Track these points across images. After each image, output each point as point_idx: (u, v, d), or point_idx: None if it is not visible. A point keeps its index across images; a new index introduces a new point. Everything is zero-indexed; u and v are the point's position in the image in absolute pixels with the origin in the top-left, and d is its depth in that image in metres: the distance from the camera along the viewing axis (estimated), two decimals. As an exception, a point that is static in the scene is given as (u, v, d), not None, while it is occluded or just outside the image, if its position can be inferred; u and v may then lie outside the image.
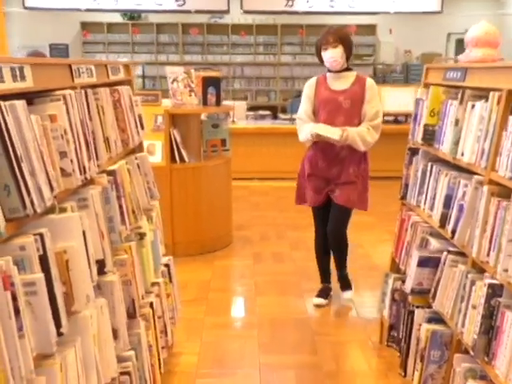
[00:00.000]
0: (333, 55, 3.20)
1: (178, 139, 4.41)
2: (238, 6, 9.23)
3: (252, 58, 11.49)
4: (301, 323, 3.37)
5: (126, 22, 11.32)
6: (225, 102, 6.42)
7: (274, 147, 7.56)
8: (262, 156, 7.56)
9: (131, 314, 2.14)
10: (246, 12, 9.51)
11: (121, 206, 2.13)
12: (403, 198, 2.91)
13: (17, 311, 1.17)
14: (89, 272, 1.59)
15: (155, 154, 4.43)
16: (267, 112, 9.39)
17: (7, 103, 1.27)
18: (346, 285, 3.67)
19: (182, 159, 4.42)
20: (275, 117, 9.36)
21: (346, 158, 3.32)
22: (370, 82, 3.30)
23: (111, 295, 1.90)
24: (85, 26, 11.34)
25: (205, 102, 4.59)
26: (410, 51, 11.49)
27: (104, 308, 1.78)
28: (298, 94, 10.97)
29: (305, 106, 3.42)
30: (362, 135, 3.21)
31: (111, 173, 2.08)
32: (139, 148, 2.77)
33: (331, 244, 3.53)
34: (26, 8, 10.28)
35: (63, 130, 1.61)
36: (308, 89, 3.41)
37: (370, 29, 11.41)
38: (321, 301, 3.57)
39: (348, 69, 3.32)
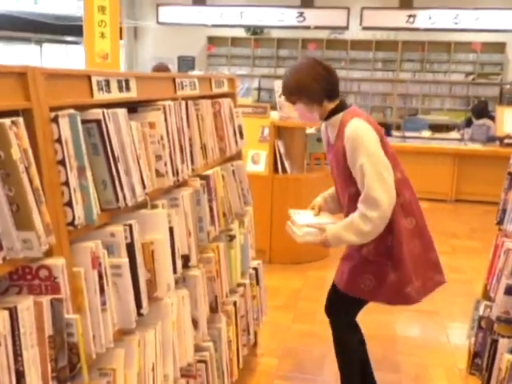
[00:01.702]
0: (297, 113, 2.41)
1: (282, 150, 4.58)
2: (357, 22, 9.28)
3: (370, 74, 11.44)
4: (387, 340, 3.36)
5: (248, 37, 11.82)
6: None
7: (383, 164, 7.48)
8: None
9: (213, 309, 2.31)
10: (365, 28, 9.53)
11: (211, 209, 2.32)
12: (499, 223, 2.81)
13: (101, 288, 1.36)
14: (171, 264, 1.77)
15: (259, 163, 4.63)
16: (380, 129, 9.28)
17: (110, 111, 1.48)
18: None
19: (284, 170, 4.58)
20: (388, 134, 9.24)
21: None
22: (349, 128, 2.15)
23: (194, 288, 2.07)
24: (211, 40, 12.01)
25: (310, 116, 4.71)
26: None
27: (185, 298, 1.96)
28: (415, 113, 10.77)
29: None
30: (355, 228, 2.11)
31: (205, 177, 2.27)
32: (238, 156, 2.96)
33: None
34: (158, 23, 11.12)
35: (160, 136, 1.81)
36: (322, 136, 2.53)
37: (499, 46, 10.88)
38: None
39: (334, 111, 2.27)
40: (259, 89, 10.61)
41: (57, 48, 12.72)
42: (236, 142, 2.79)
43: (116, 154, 1.49)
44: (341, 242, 2.20)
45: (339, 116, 2.24)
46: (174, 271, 1.88)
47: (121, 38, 12.25)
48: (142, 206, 1.72)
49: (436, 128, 9.05)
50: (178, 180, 1.94)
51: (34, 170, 1.13)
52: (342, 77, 11.36)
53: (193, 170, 2.17)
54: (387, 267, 2.22)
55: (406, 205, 2.25)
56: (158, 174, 1.82)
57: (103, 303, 1.37)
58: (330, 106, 2.26)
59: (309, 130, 5.05)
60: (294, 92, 2.27)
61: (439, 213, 6.82)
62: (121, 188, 1.50)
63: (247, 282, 2.79)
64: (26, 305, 1.11)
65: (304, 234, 2.26)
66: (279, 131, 4.66)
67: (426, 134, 8.46)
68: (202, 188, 2.19)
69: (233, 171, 2.69)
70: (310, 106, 2.26)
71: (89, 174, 1.38)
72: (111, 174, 1.47)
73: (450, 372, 3.01)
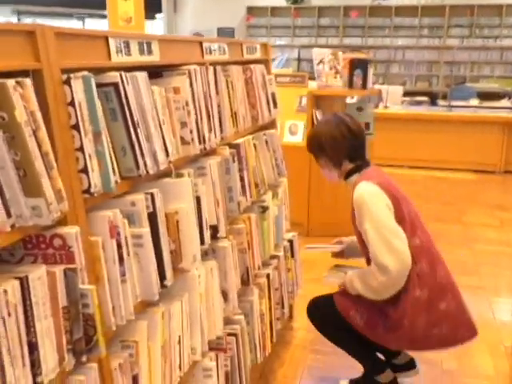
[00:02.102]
0: (323, 173, 2.36)
1: (320, 121, 4.44)
2: (401, -14, 8.91)
3: (415, 41, 11.01)
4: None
5: (288, 6, 11.55)
6: (377, 86, 6.30)
7: (428, 135, 7.23)
8: (414, 143, 7.27)
9: (245, 281, 2.25)
10: (411, -7, 9.13)
11: (242, 178, 2.24)
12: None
13: (121, 258, 1.31)
14: (198, 234, 1.71)
15: (297, 134, 4.52)
16: (424, 98, 8.99)
17: (129, 74, 1.41)
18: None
19: (322, 141, 4.44)
20: (434, 103, 8.92)
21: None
22: (357, 191, 2.13)
23: (223, 260, 2.02)
24: (250, 10, 11.80)
25: (350, 85, 4.55)
26: None
27: (214, 270, 1.91)
28: (463, 81, 10.33)
29: None
30: (364, 278, 2.12)
31: (235, 146, 2.19)
32: (271, 125, 2.86)
33: None
34: (197, -6, 10.97)
35: (185, 102, 1.74)
36: None
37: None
38: None
39: (351, 171, 2.25)
40: (299, 59, 10.39)
41: (99, 23, 12.78)
42: (269, 110, 2.69)
43: (136, 120, 1.42)
44: (351, 288, 2.19)
45: (354, 177, 2.22)
46: (202, 242, 1.82)
47: (160, 11, 12.19)
48: (167, 175, 1.66)
49: (485, 96, 8.65)
50: (205, 148, 1.87)
51: (43, 133, 1.08)
52: (386, 45, 11.00)
53: (222, 138, 2.09)
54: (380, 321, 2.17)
55: (423, 275, 2.11)
56: (184, 141, 1.75)
57: (123, 274, 1.33)
58: (350, 166, 2.24)
59: (349, 100, 4.88)
60: (314, 149, 2.30)
61: (487, 184, 6.55)
62: (141, 155, 1.43)
63: (281, 254, 2.72)
64: (37, 274, 1.07)
65: (331, 275, 2.40)
66: (317, 101, 4.52)
67: (474, 102, 8.11)
68: (231, 157, 2.11)
69: (265, 141, 2.60)
70: (329, 165, 2.26)
71: (106, 139, 1.32)
72: (131, 141, 1.40)
73: (495, 349, 2.88)
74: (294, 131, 4.53)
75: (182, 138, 1.75)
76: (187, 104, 1.75)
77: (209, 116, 1.91)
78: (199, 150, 1.81)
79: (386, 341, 2.20)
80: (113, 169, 1.35)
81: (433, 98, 9.30)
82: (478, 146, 7.07)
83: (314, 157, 2.32)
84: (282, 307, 2.70)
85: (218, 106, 2.08)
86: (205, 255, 2.00)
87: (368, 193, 2.09)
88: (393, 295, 2.08)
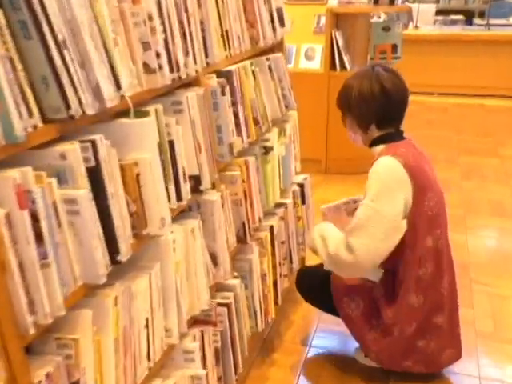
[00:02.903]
0: (347, 134, 1.98)
1: (341, 43, 3.91)
2: None
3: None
4: (459, 266, 2.85)
5: None
6: (407, 4, 5.63)
7: (462, 58, 6.57)
8: (447, 67, 6.63)
9: (241, 239, 1.88)
10: None
11: (236, 115, 1.82)
12: None
13: (38, 236, 0.94)
14: (165, 191, 1.33)
15: (314, 58, 4.00)
16: (460, 17, 8.20)
17: (45, -29, 0.98)
18: None
19: (342, 66, 3.93)
20: (470, 22, 8.14)
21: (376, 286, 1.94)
22: (377, 164, 1.79)
23: (211, 216, 1.64)
24: None
25: (376, 1, 3.97)
26: None
27: (196, 230, 1.54)
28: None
29: None
30: (333, 245, 1.82)
31: (225, 74, 1.76)
32: (279, 48, 2.40)
33: None
34: None
35: (147, 16, 1.30)
36: None
37: None
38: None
39: (377, 140, 1.88)
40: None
41: None
42: (274, 29, 2.22)
43: (60, 38, 1.00)
44: (318, 246, 1.90)
45: (379, 148, 1.85)
46: (179, 197, 1.45)
47: None
48: (122, 113, 1.26)
49: (527, 13, 7.82)
50: (180, 77, 1.44)
51: None
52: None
53: (207, 64, 1.66)
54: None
55: (425, 280, 1.81)
56: (148, 69, 1.33)
57: (43, 256, 0.96)
58: (377, 133, 1.86)
59: (375, 19, 4.31)
60: (341, 103, 1.92)
61: (527, 113, 5.97)
62: (73, 88, 1.03)
63: (289, 201, 2.33)
64: None
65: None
66: (338, 20, 3.97)
67: (515, 20, 7.33)
68: (219, 88, 1.69)
69: (269, 67, 2.15)
70: (354, 126, 1.90)
71: (10, 66, 0.92)
72: (53, 68, 1.00)
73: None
74: (310, 56, 4.01)
75: (145, 65, 1.33)
76: (151, 18, 1.32)
77: (184, 35, 1.48)
78: (170, 80, 1.39)
79: (366, 342, 1.93)
80: (27, 108, 0.96)
81: (468, 17, 8.48)
82: (518, 69, 6.41)
83: (341, 113, 1.95)
84: (291, 262, 2.35)
85: (202, 22, 1.64)
86: (188, 212, 1.63)
87: (387, 174, 1.75)
88: (389, 297, 1.85)
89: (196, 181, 1.55)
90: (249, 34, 2.02)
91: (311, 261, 2.41)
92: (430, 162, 1.90)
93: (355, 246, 1.73)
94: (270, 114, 2.14)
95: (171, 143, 1.42)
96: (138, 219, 1.27)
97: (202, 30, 1.64)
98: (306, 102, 4.13)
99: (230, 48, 1.84)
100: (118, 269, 1.20)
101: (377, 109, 1.82)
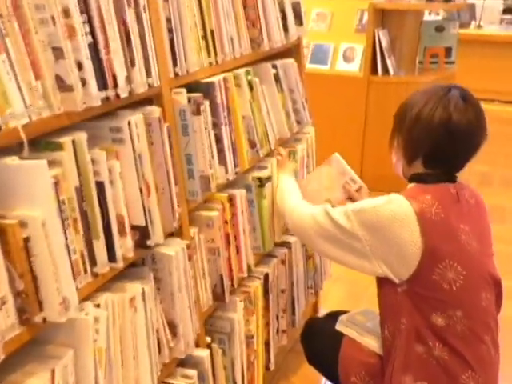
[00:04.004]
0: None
1: (385, 44, 3.42)
2: None
3: None
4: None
5: None
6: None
7: (529, 62, 5.90)
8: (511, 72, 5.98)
9: (218, 296, 1.49)
10: None
11: (219, 139, 1.43)
12: None
13: None
14: (68, 262, 0.94)
15: (353, 60, 3.54)
16: (529, 16, 7.43)
17: None
18: None
19: (385, 70, 3.45)
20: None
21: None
22: (385, 201, 1.36)
23: (168, 275, 1.25)
24: None
25: (430, -4, 3.47)
26: None
27: (138, 301, 1.15)
28: None
29: None
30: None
31: (203, 87, 1.36)
32: (296, 51, 1.98)
33: None
34: None
35: (60, 10, 0.93)
36: None
37: None
38: None
39: (412, 177, 1.43)
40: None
41: None
42: (286, 28, 1.80)
43: None
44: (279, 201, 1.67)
45: (409, 186, 1.42)
46: (112, 258, 1.07)
47: None
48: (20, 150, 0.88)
49: None
50: (118, 95, 1.05)
51: None
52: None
53: (176, 75, 1.27)
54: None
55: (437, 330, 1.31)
56: (63, 85, 0.95)
57: None
58: (419, 169, 1.40)
59: (427, 17, 3.80)
60: (395, 118, 1.45)
61: None
62: None
63: (294, 239, 1.91)
64: None
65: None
66: (383, 17, 3.48)
67: None
68: (192, 106, 1.30)
69: (275, 76, 1.74)
70: (399, 151, 1.44)
71: None
72: None
73: None
74: (349, 57, 3.54)
75: (58, 79, 0.95)
76: (67, 14, 0.94)
77: (128, 38, 1.08)
78: (99, 100, 1.00)
79: None
80: None
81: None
82: None
83: (392, 130, 1.48)
84: (293, 313, 1.93)
85: (168, 20, 1.24)
86: (138, 267, 1.25)
87: (390, 211, 1.31)
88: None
89: (142, 233, 1.16)
90: (249, 34, 1.61)
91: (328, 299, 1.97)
92: (479, 225, 1.39)
93: (315, 219, 1.43)
94: (274, 133, 1.73)
95: (100, 185, 1.04)
96: (28, 300, 0.90)
97: (169, 31, 1.25)
98: (341, 109, 3.68)
99: (216, 53, 1.44)
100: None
101: (431, 142, 1.34)
